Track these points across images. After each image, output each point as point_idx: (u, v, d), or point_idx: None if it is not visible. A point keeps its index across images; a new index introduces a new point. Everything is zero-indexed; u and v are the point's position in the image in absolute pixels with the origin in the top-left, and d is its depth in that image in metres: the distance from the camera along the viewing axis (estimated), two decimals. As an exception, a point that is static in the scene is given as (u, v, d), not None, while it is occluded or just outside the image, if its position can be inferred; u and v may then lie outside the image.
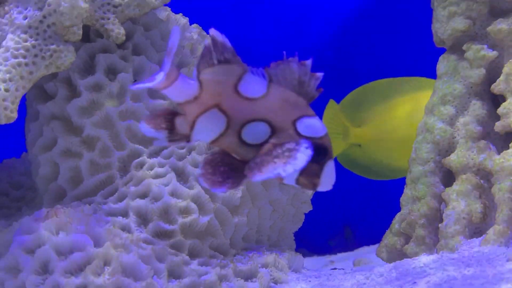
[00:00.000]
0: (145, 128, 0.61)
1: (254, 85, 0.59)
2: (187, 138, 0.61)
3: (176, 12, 1.09)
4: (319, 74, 0.59)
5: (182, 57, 1.03)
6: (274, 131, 0.59)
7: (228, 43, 0.60)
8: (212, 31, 0.59)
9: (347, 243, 1.87)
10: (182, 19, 1.10)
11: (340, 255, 1.75)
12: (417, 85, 1.29)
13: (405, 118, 1.27)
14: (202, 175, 0.59)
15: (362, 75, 1.53)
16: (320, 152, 0.59)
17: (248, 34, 1.61)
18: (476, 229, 0.93)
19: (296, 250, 1.03)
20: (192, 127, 0.60)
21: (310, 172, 0.59)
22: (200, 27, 1.16)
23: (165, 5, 1.04)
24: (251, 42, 1.61)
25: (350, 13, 1.64)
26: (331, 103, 1.35)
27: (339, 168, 1.67)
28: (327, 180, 0.59)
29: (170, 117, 0.62)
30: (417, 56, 1.51)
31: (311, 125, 0.58)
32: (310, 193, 1.07)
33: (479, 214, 0.91)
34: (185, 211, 0.87)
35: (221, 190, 0.58)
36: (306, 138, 0.58)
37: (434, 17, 1.07)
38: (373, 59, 1.65)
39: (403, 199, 1.04)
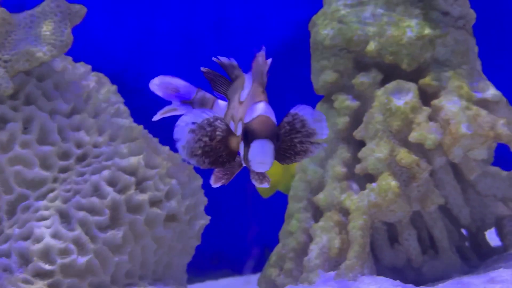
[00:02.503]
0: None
1: (247, 90, 0.63)
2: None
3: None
4: (269, 60, 0.62)
5: (76, 104, 1.08)
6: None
7: (235, 62, 0.65)
8: (221, 59, 0.64)
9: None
10: (82, 68, 1.15)
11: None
12: None
13: None
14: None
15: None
16: (245, 134, 0.59)
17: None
18: (336, 263, 1.00)
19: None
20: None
21: (244, 155, 0.60)
22: (100, 74, 1.21)
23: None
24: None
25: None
26: None
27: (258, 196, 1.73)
28: (253, 159, 0.58)
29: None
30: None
31: (250, 110, 0.60)
32: (197, 228, 1.12)
33: (336, 249, 0.99)
34: (64, 252, 0.92)
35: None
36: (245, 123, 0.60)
37: (312, 69, 1.16)
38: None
39: (280, 234, 1.12)
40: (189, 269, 1.14)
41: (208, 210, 1.16)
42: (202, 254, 1.24)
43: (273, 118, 0.59)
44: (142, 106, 1.49)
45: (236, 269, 1.81)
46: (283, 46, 1.68)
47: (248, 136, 0.58)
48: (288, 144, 0.62)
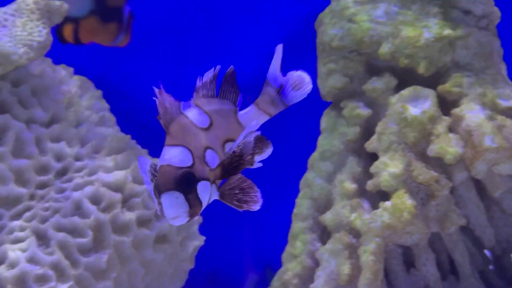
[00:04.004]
0: None
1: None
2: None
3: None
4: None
5: (56, 112, 1.08)
6: None
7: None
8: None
9: (268, 286, 1.93)
10: (62, 71, 1.15)
11: (260, 298, 1.80)
12: None
13: None
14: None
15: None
16: (154, 188, 0.62)
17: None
18: (345, 290, 1.00)
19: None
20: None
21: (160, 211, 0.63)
22: (83, 78, 1.21)
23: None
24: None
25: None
26: None
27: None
28: (166, 216, 0.60)
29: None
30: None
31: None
32: (191, 250, 1.12)
33: (346, 276, 0.99)
34: (42, 279, 0.91)
35: None
36: None
37: (318, 73, 1.16)
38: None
39: (283, 256, 1.12)
40: (181, 293, 1.14)
41: (201, 226, 1.16)
42: (195, 276, 1.24)
43: (178, 163, 0.60)
44: (129, 111, 1.49)
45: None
46: (287, 42, 1.68)
47: (155, 191, 0.60)
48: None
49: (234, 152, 0.62)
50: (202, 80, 0.66)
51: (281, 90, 0.67)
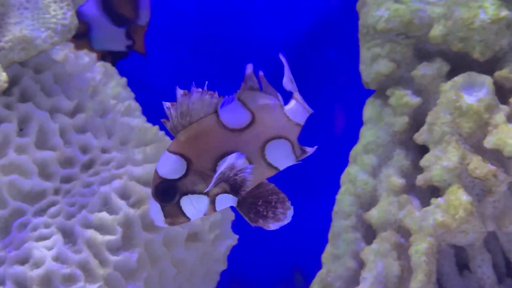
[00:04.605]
0: None
1: None
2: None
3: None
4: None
5: (80, 101, 1.06)
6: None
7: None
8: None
9: (297, 290, 1.90)
10: (85, 57, 1.13)
11: (289, 303, 1.77)
12: None
13: None
14: None
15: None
16: None
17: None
18: (394, 294, 0.97)
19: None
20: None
21: None
22: (107, 64, 1.19)
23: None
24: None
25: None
26: None
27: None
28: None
29: None
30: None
31: None
32: (224, 250, 1.09)
33: (395, 279, 0.96)
34: (69, 279, 0.89)
35: None
36: None
37: (360, 58, 1.12)
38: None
39: (323, 257, 1.09)
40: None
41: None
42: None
43: (165, 173, 0.61)
44: (148, 101, 1.47)
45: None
46: (315, 28, 1.65)
47: None
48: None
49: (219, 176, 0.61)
50: (251, 70, 0.64)
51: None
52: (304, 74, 1.61)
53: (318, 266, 1.88)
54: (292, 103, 0.65)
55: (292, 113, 0.65)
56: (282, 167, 0.65)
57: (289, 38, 1.62)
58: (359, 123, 1.17)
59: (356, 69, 1.14)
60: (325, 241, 1.85)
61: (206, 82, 0.63)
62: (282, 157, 0.64)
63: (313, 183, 1.57)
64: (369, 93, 1.15)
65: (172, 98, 0.63)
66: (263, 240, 1.73)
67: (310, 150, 0.66)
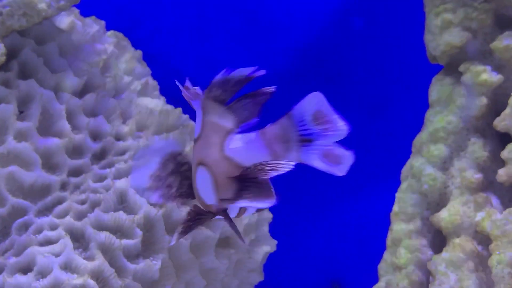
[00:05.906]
0: None
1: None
2: None
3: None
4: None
5: (90, 78, 1.01)
6: None
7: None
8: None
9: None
10: (94, 25, 1.08)
11: (327, 317, 1.75)
12: None
13: None
14: None
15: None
16: None
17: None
18: (470, 313, 0.91)
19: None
20: None
21: None
22: (119, 34, 1.13)
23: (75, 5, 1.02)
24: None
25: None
26: None
27: (326, 215, 1.65)
28: None
29: None
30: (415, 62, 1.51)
31: None
32: (261, 257, 1.05)
33: (473, 294, 0.90)
34: (80, 292, 0.85)
35: None
36: None
37: (426, 26, 1.06)
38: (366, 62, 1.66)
39: (381, 267, 1.03)
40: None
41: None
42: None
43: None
44: (162, 78, 1.44)
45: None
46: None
47: None
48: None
49: None
50: (226, 75, 0.62)
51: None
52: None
53: (357, 278, 1.84)
54: (251, 134, 0.61)
55: (234, 147, 0.61)
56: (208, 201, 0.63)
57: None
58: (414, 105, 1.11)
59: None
60: (366, 249, 1.81)
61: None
62: (203, 188, 0.63)
63: (351, 184, 1.53)
64: (426, 71, 1.09)
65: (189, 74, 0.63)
66: (297, 248, 1.69)
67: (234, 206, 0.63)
